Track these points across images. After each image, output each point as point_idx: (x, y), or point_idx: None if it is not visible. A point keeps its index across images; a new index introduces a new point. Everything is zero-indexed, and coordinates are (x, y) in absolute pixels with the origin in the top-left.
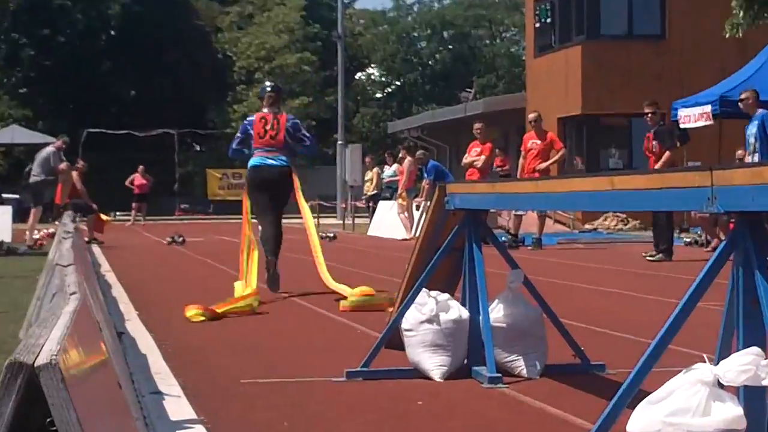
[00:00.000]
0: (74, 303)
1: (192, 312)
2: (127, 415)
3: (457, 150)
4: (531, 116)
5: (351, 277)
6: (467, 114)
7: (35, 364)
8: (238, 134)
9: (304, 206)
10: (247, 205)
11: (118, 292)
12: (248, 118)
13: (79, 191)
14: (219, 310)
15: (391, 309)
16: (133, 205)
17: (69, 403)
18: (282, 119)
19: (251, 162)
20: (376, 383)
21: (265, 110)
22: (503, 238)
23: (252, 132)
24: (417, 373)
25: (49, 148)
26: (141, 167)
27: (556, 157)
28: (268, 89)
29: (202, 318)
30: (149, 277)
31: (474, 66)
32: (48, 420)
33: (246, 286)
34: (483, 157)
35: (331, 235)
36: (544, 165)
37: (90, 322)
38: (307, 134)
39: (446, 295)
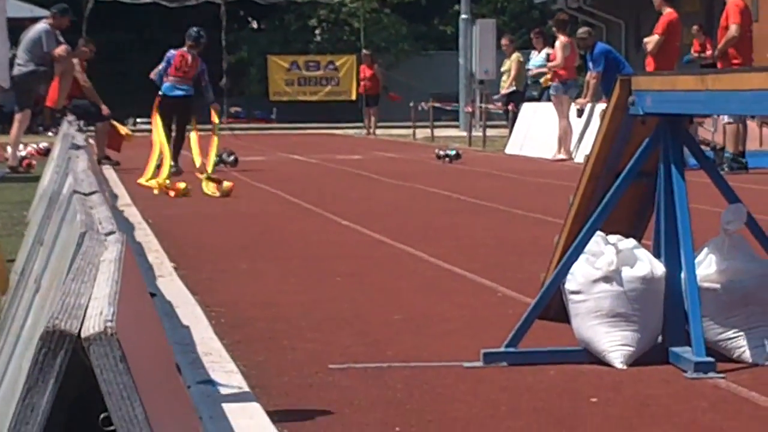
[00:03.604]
0: (116, 247)
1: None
2: (191, 410)
3: (636, 28)
4: None
5: (484, 214)
6: None
7: (82, 334)
8: (164, 64)
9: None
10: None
11: (145, 235)
12: (171, 52)
13: (83, 88)
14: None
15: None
16: None
17: (133, 391)
18: (196, 62)
19: (163, 87)
20: (527, 371)
21: (185, 50)
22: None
23: (171, 63)
24: (588, 356)
25: (40, 26)
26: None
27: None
28: (193, 36)
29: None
30: (187, 213)
31: None
32: (102, 416)
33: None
34: (655, 37)
35: (452, 152)
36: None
37: (135, 275)
38: (207, 81)
39: (631, 242)
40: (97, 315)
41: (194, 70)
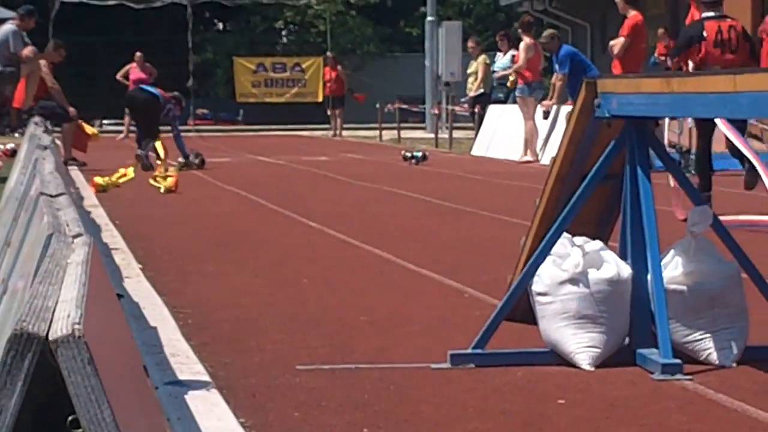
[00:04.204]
0: (83, 249)
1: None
2: (159, 412)
3: (602, 30)
4: None
5: (450, 216)
6: None
7: (50, 336)
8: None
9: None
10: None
11: (111, 236)
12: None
13: (50, 89)
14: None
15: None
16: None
17: (101, 394)
18: (168, 100)
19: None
20: (494, 372)
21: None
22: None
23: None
24: (556, 358)
25: (7, 27)
26: (138, 54)
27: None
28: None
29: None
30: (154, 214)
31: None
32: (70, 419)
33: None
34: (620, 40)
35: (419, 154)
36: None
37: (103, 277)
38: (175, 128)
39: (598, 244)
40: (64, 318)
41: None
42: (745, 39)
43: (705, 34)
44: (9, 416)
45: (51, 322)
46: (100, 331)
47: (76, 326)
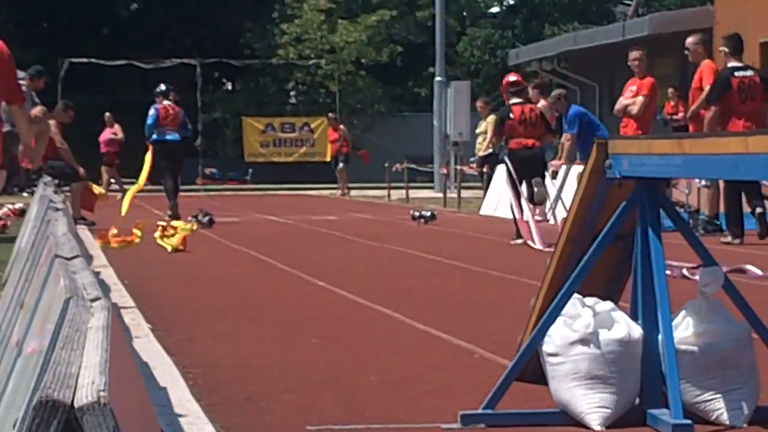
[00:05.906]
0: (102, 314)
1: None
2: None
3: (610, 90)
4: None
5: (460, 275)
6: (626, 37)
7: (75, 404)
8: (153, 115)
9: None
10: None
11: (121, 296)
12: (155, 106)
13: (59, 149)
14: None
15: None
16: (105, 170)
17: None
18: (177, 109)
19: (155, 136)
20: None
21: (166, 102)
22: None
23: (158, 116)
24: (566, 418)
25: None
26: (107, 114)
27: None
28: (164, 91)
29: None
30: (164, 274)
31: None
32: None
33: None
34: (639, 99)
35: (428, 214)
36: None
37: (121, 340)
38: (188, 125)
39: (608, 304)
40: (89, 384)
41: (177, 117)
42: (541, 119)
43: (512, 115)
44: None
45: (75, 389)
46: (122, 396)
47: (102, 393)
